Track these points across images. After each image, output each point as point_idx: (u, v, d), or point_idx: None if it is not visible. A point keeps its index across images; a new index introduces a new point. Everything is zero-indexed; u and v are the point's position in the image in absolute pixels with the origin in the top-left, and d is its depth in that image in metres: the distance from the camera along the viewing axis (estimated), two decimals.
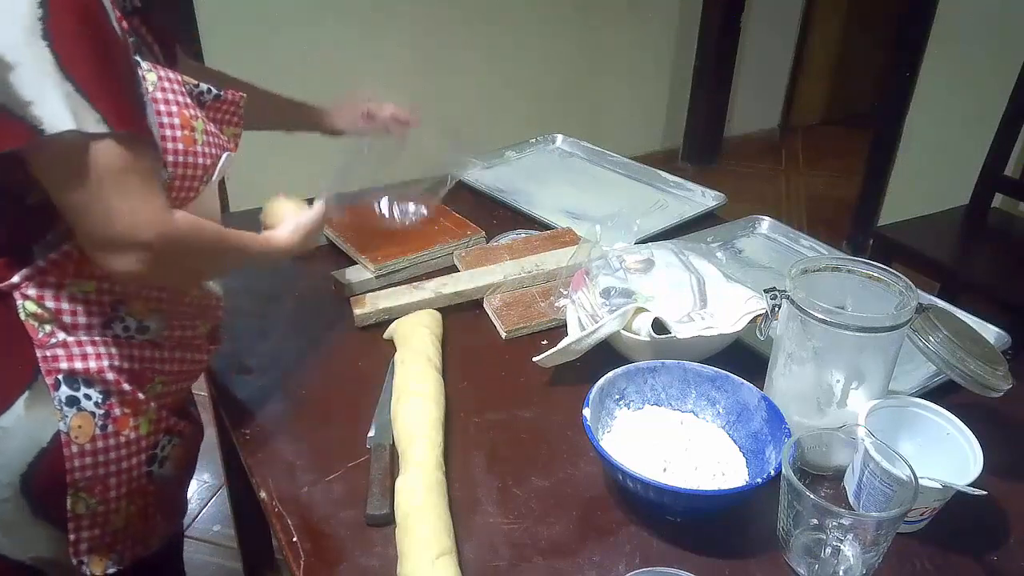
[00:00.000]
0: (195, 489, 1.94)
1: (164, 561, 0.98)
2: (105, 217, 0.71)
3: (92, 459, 0.79)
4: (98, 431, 0.79)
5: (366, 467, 0.85)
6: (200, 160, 0.80)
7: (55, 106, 0.66)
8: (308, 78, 2.68)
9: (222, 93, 0.85)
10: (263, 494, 0.83)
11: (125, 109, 0.71)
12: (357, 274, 1.19)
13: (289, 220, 0.95)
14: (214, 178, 0.85)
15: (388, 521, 0.78)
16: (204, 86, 0.83)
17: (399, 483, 0.80)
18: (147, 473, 0.85)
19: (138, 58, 0.75)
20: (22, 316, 0.76)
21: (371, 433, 0.90)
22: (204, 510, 1.90)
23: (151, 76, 0.77)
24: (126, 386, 0.81)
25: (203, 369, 0.93)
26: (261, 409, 0.95)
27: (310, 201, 1.02)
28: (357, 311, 1.10)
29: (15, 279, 0.76)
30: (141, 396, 0.82)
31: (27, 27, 0.65)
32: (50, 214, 0.75)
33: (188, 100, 0.80)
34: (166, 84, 0.78)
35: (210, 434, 1.52)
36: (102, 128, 0.68)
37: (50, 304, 0.77)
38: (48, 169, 0.71)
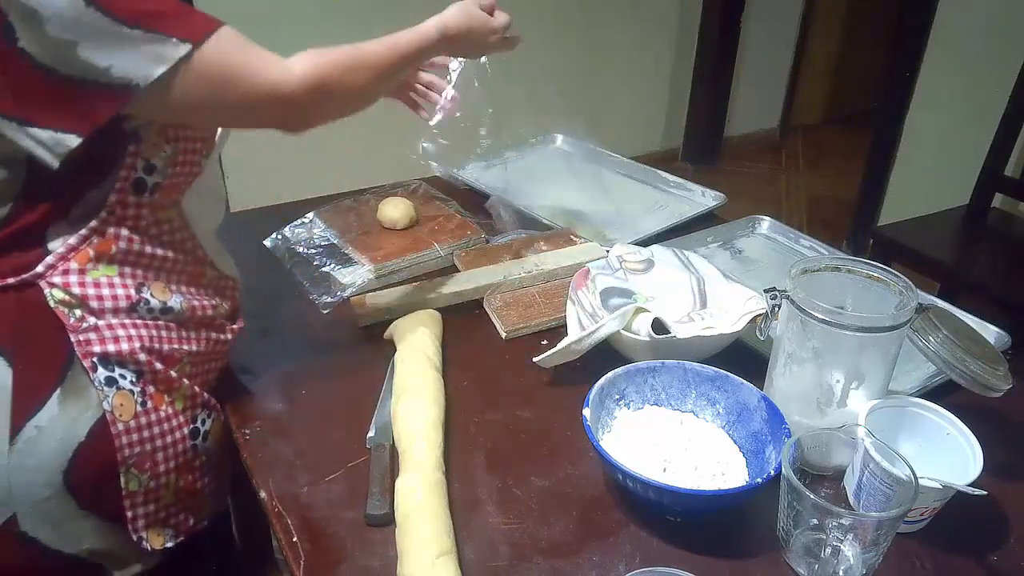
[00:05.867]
0: None
1: (213, 537, 0.99)
2: (249, 93, 0.75)
3: (138, 435, 0.80)
4: (139, 408, 0.80)
5: (366, 467, 0.85)
6: (198, 132, 0.82)
7: (133, 58, 0.68)
8: None
9: None
10: (263, 494, 0.83)
11: (192, 18, 0.72)
12: (357, 274, 1.19)
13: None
14: (214, 152, 0.86)
15: (388, 521, 0.78)
16: None
17: (399, 483, 0.80)
18: (192, 447, 0.86)
19: None
20: (51, 304, 0.77)
21: (371, 433, 0.90)
22: None
23: None
24: (158, 365, 0.82)
25: (228, 350, 0.95)
26: (261, 409, 0.95)
27: None
28: (357, 311, 1.11)
29: (39, 268, 0.77)
30: (173, 374, 0.84)
31: (70, 1, 0.66)
32: (67, 195, 0.76)
33: None
34: None
35: None
36: (187, 47, 0.70)
37: (76, 291, 0.78)
38: (168, 107, 0.73)
